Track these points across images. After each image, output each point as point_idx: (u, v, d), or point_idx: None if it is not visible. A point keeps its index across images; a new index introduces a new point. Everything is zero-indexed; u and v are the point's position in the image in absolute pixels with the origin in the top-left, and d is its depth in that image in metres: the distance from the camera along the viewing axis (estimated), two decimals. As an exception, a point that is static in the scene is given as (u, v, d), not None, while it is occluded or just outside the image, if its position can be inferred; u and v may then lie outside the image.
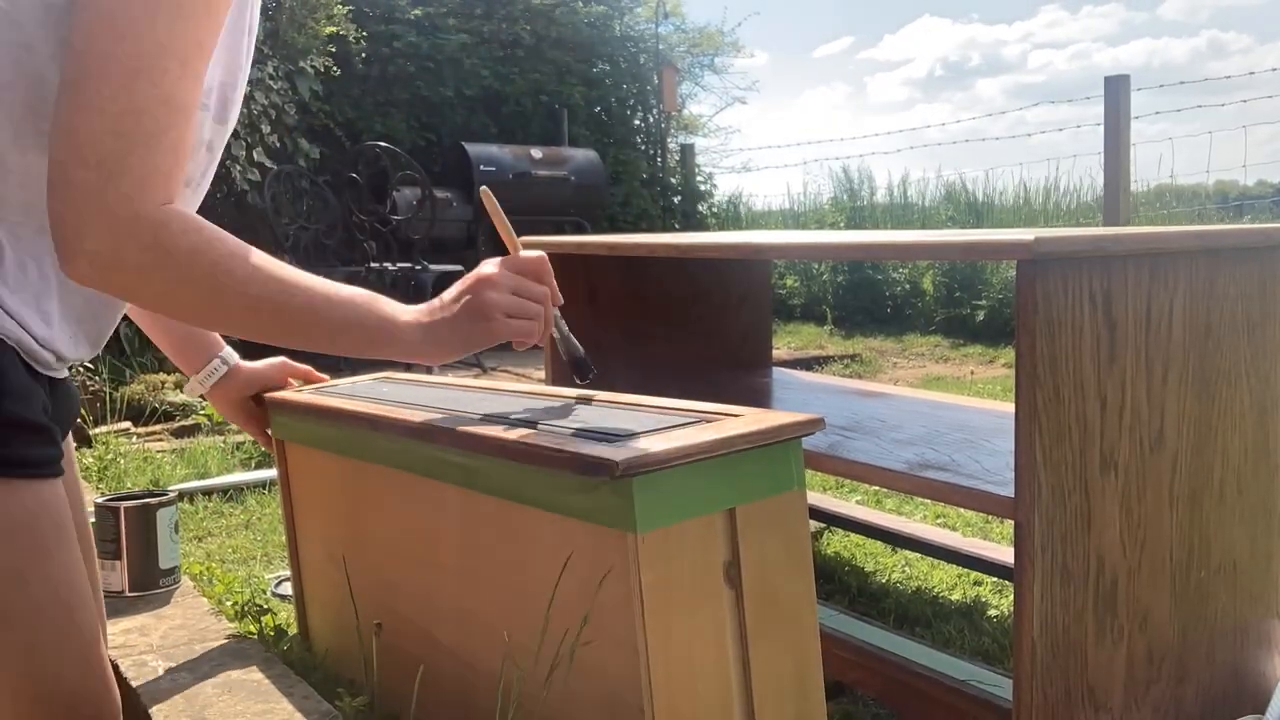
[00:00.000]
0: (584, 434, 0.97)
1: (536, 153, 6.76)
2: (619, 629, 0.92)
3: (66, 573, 0.95)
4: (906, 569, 2.27)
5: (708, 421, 0.99)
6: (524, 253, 1.09)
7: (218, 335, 1.43)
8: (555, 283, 1.10)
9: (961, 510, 2.58)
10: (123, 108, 0.84)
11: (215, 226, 0.95)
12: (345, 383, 1.49)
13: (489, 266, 1.06)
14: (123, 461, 2.77)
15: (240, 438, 3.17)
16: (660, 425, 0.98)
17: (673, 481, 0.90)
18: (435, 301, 1.05)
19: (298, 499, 1.50)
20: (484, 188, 1.20)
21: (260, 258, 0.97)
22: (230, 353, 1.44)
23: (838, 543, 2.45)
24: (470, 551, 1.15)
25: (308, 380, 1.50)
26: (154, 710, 1.23)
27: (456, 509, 1.15)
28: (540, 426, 1.03)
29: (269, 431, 1.49)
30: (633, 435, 0.94)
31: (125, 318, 1.19)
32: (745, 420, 0.98)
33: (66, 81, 0.85)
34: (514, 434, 1.00)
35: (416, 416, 1.15)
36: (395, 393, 1.34)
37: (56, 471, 0.96)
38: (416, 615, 1.26)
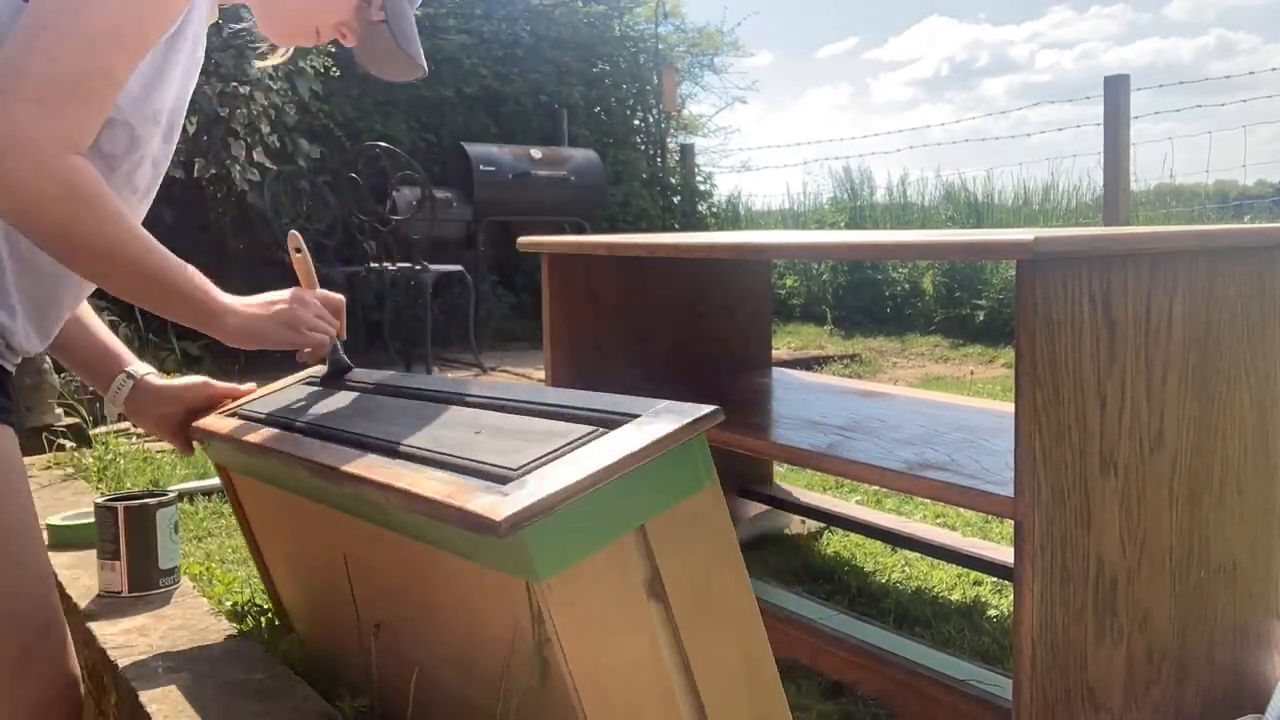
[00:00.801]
0: (477, 468, 0.92)
1: (536, 153, 6.76)
2: (550, 668, 0.89)
3: (25, 512, 1.10)
4: (906, 569, 2.27)
5: (607, 427, 0.94)
6: (326, 293, 1.36)
7: (123, 351, 1.44)
8: (344, 321, 1.39)
9: (961, 510, 2.58)
10: (73, 65, 0.97)
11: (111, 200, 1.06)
12: (277, 389, 1.44)
13: (305, 293, 1.33)
14: (122, 461, 2.77)
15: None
16: (556, 445, 0.92)
17: (568, 519, 0.85)
18: (253, 300, 1.26)
19: (252, 517, 1.51)
20: (293, 232, 1.43)
21: (133, 220, 1.10)
22: (137, 366, 1.42)
23: (837, 543, 2.45)
24: (403, 581, 1.12)
25: (234, 398, 1.45)
26: (154, 710, 1.23)
27: (378, 542, 1.12)
28: (436, 455, 0.98)
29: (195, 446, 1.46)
30: (525, 469, 0.89)
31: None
32: (641, 427, 0.92)
33: (26, 27, 0.96)
34: (405, 478, 0.95)
35: (316, 454, 1.10)
36: (318, 405, 1.29)
37: (6, 419, 1.10)
38: (383, 635, 1.24)
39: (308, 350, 1.31)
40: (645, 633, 0.91)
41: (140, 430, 3.47)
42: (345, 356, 1.41)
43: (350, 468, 1.01)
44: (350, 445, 1.09)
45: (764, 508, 2.51)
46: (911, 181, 8.35)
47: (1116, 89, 4.97)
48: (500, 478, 0.88)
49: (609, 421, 0.95)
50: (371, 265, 5.42)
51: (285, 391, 1.42)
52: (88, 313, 1.42)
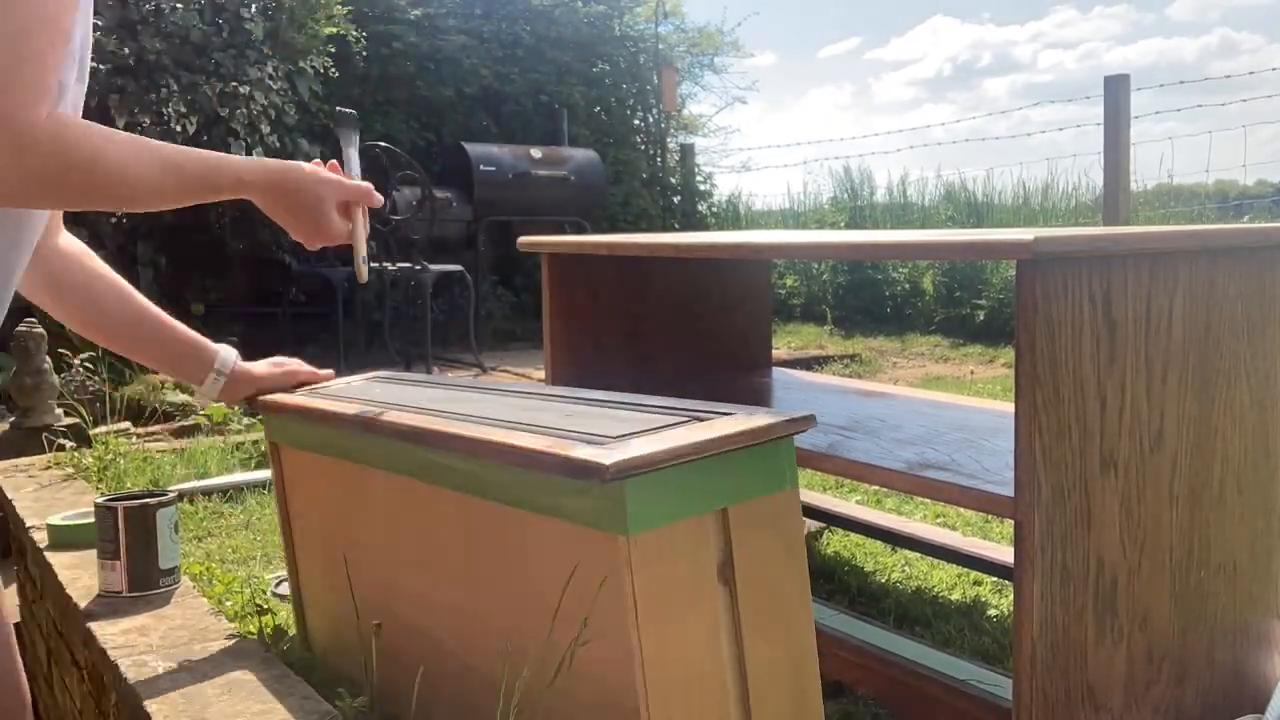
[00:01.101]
0: (575, 435, 0.97)
1: (536, 152, 6.76)
2: (613, 631, 0.92)
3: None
4: (906, 568, 2.27)
5: (699, 420, 0.99)
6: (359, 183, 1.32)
7: (204, 341, 1.45)
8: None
9: (961, 510, 2.58)
10: (12, 28, 0.92)
11: (93, 124, 1.02)
12: (339, 384, 1.48)
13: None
14: (122, 461, 2.76)
15: (240, 437, 3.17)
16: (651, 425, 0.97)
17: (664, 483, 0.90)
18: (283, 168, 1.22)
19: (293, 501, 1.50)
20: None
21: (129, 136, 1.06)
22: (225, 358, 1.44)
23: (838, 542, 2.45)
24: (466, 553, 1.15)
25: (312, 383, 1.50)
26: (154, 710, 1.23)
27: (451, 511, 1.15)
28: (532, 427, 1.03)
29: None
30: (624, 437, 0.94)
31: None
32: (736, 420, 0.97)
33: None
34: (505, 436, 1.00)
35: (409, 419, 1.14)
36: (389, 394, 1.33)
37: None
38: (416, 616, 1.25)
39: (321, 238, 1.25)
40: (709, 614, 0.94)
41: (140, 431, 3.48)
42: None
43: (446, 428, 1.06)
44: (434, 417, 1.13)
45: (764, 508, 2.50)
46: (911, 181, 8.35)
47: (1116, 89, 4.97)
48: (598, 441, 0.93)
49: (702, 416, 0.99)
50: (371, 265, 5.42)
51: (355, 385, 1.45)
52: (154, 309, 1.43)
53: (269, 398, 1.43)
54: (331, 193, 1.25)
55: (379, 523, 1.30)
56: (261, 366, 1.48)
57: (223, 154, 1.16)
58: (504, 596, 1.11)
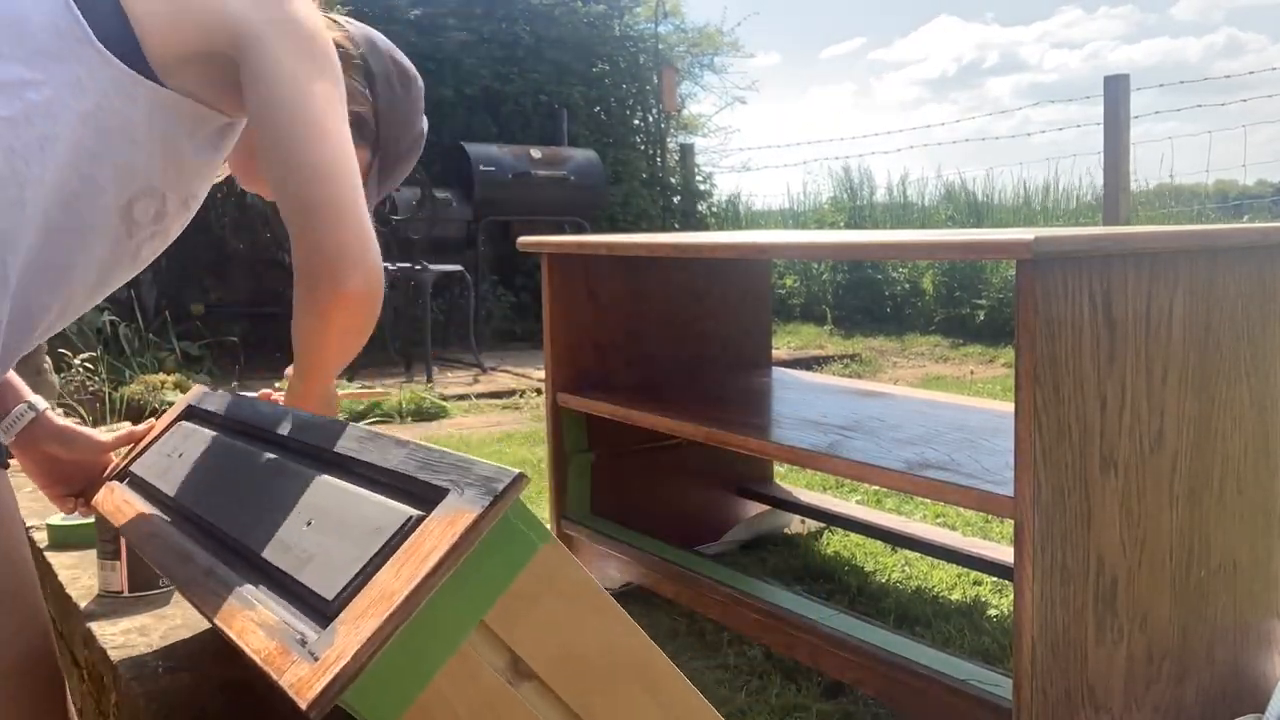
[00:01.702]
0: (295, 607, 0.87)
1: (536, 152, 6.76)
2: None
3: (29, 559, 1.06)
4: (906, 568, 2.27)
5: (423, 508, 0.87)
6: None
7: (23, 385, 1.35)
8: None
9: (961, 510, 2.58)
10: (356, 179, 1.08)
11: None
12: (164, 428, 1.41)
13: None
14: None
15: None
16: (369, 557, 0.86)
17: (391, 663, 0.79)
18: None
19: None
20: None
21: None
22: (38, 400, 1.35)
23: (837, 542, 2.45)
24: None
25: (130, 441, 1.41)
26: (154, 710, 1.23)
27: None
28: (269, 568, 0.95)
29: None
30: (337, 601, 0.84)
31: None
32: (452, 513, 0.84)
33: (315, 201, 1.06)
34: (235, 622, 0.91)
35: (168, 558, 1.08)
36: (186, 462, 1.26)
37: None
38: None
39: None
40: (526, 718, 0.84)
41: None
42: None
43: (195, 599, 1.00)
44: (202, 541, 1.08)
45: (764, 507, 2.51)
46: (911, 181, 8.36)
47: (1116, 89, 4.97)
48: (320, 614, 0.84)
49: (426, 499, 0.88)
50: (371, 265, 5.42)
51: (168, 438, 1.38)
52: None
53: (95, 500, 1.36)
54: None
55: None
56: (75, 428, 1.37)
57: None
58: None
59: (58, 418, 1.36)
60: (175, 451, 1.32)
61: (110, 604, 1.59)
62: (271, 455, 1.16)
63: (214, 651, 1.41)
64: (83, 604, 1.59)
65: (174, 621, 1.52)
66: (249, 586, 0.95)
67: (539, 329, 2.15)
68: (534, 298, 6.49)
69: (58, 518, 2.01)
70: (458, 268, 5.55)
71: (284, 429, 1.19)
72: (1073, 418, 1.22)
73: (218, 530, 1.07)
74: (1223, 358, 1.37)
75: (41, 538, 1.99)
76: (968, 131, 13.35)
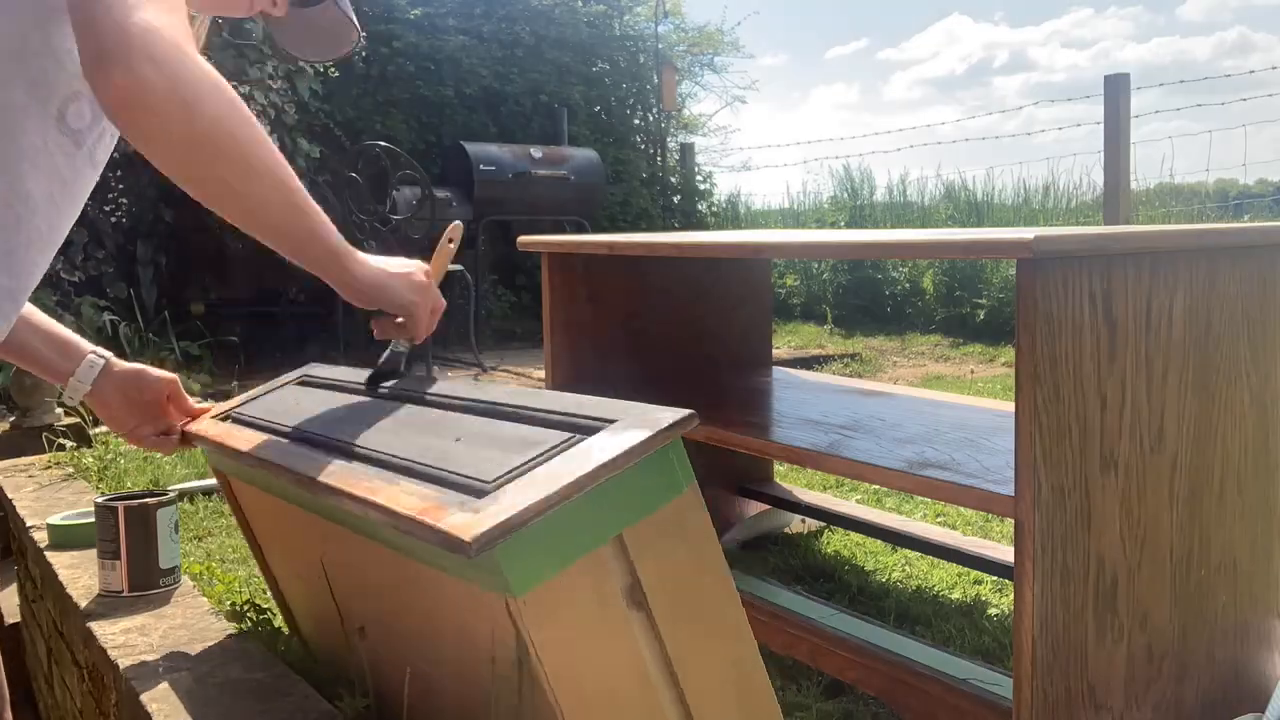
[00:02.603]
0: (453, 480, 0.91)
1: (536, 152, 6.76)
2: (534, 683, 0.87)
3: None
4: (907, 568, 2.27)
5: (585, 433, 0.92)
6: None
7: (81, 339, 1.36)
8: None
9: (962, 509, 2.57)
10: None
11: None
12: (265, 392, 1.42)
13: (424, 276, 1.22)
14: (122, 461, 2.76)
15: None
16: (532, 454, 0.91)
17: (542, 534, 0.84)
18: (377, 261, 1.15)
19: (251, 518, 1.50)
20: (457, 223, 1.33)
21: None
22: (100, 350, 1.36)
23: (838, 542, 2.45)
24: (389, 590, 1.12)
25: (191, 417, 1.41)
26: (154, 710, 1.23)
27: (364, 549, 1.11)
28: (415, 466, 0.97)
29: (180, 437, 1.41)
30: (499, 483, 0.87)
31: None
32: (617, 434, 0.90)
33: None
34: (381, 493, 0.93)
35: (298, 461, 1.08)
36: (303, 408, 1.27)
37: None
38: (374, 639, 1.23)
39: (399, 326, 1.22)
40: (628, 643, 0.89)
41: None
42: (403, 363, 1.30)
43: (330, 480, 1.00)
44: (335, 453, 1.08)
45: (764, 507, 2.50)
46: (912, 180, 8.36)
47: (1116, 88, 4.97)
48: (476, 490, 0.87)
49: (586, 428, 0.93)
50: (371, 265, 5.42)
51: (277, 393, 1.41)
52: (33, 312, 1.35)
53: (194, 427, 1.38)
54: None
55: (322, 551, 1.27)
56: (141, 367, 1.38)
57: (338, 237, 1.09)
58: (430, 638, 1.07)
59: (122, 362, 1.37)
60: (292, 400, 1.35)
61: (110, 604, 1.59)
62: (408, 403, 1.20)
63: (214, 651, 1.41)
64: (83, 604, 1.59)
65: (174, 621, 1.52)
66: (394, 475, 0.98)
67: (539, 328, 2.15)
68: (534, 298, 6.49)
69: (58, 517, 2.01)
70: (458, 267, 5.54)
71: (417, 388, 1.24)
72: (1073, 417, 1.22)
73: (352, 446, 1.08)
74: (1223, 357, 1.37)
75: (42, 538, 1.99)
76: (970, 131, 13.35)
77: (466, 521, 0.82)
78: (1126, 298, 1.25)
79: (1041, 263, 1.17)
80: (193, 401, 1.43)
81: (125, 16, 0.86)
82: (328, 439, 1.13)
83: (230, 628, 1.50)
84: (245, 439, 1.24)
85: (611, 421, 0.93)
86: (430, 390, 1.20)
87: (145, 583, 1.62)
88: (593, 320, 2.18)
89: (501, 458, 0.92)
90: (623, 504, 0.89)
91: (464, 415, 1.09)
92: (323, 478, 1.01)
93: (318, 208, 1.04)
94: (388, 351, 1.28)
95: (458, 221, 1.35)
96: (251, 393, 1.45)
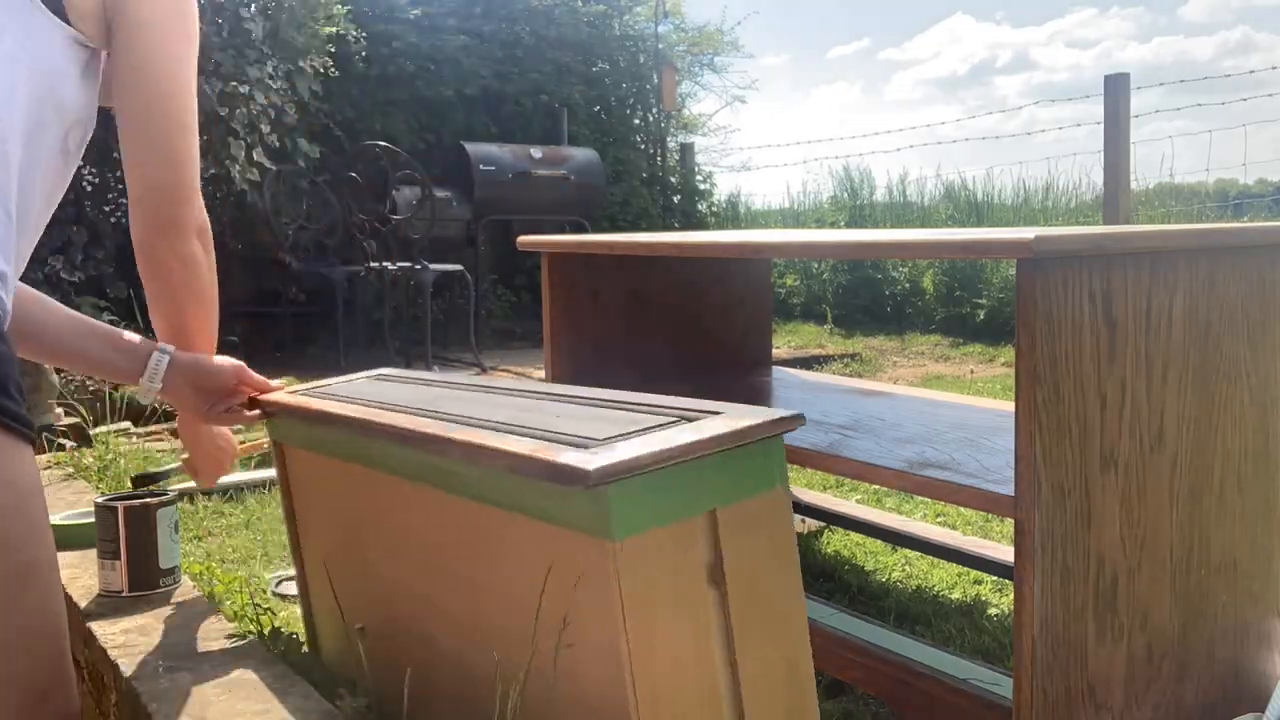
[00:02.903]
0: (562, 439, 0.96)
1: (536, 152, 6.76)
2: (602, 635, 0.91)
3: (51, 548, 1.07)
4: (907, 568, 2.27)
5: (688, 420, 0.98)
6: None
7: (131, 336, 1.44)
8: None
9: (962, 509, 2.58)
10: (190, 122, 1.29)
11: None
12: (339, 382, 1.48)
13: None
14: (123, 461, 2.76)
15: (239, 437, 3.17)
16: (639, 427, 0.97)
17: (649, 487, 0.89)
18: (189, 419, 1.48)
19: (299, 500, 1.50)
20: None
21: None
22: (161, 344, 1.42)
23: (838, 541, 2.45)
24: (462, 555, 1.15)
25: (262, 391, 1.46)
26: (154, 710, 1.23)
27: (447, 512, 1.14)
28: (520, 429, 1.02)
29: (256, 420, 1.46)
30: (610, 440, 0.93)
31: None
32: (724, 420, 0.96)
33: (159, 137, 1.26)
34: (492, 440, 0.99)
35: (401, 421, 1.14)
36: (388, 393, 1.33)
37: (23, 432, 1.06)
38: (416, 616, 1.26)
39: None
40: (700, 616, 0.94)
41: (140, 430, 3.47)
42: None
43: (436, 431, 1.06)
44: (431, 417, 1.13)
45: (764, 507, 2.50)
46: (911, 180, 8.36)
47: (1116, 88, 4.97)
48: (584, 445, 0.92)
49: (691, 416, 0.99)
50: (371, 265, 5.42)
51: (357, 383, 1.44)
52: (83, 317, 1.43)
53: (276, 397, 1.42)
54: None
55: (382, 522, 1.30)
56: (211, 357, 1.46)
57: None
58: (499, 598, 1.11)
59: (182, 352, 1.44)
60: (372, 390, 1.39)
61: (110, 604, 1.59)
62: (482, 391, 1.26)
63: (214, 651, 1.41)
64: (83, 604, 1.59)
65: (174, 621, 1.52)
66: (500, 434, 1.02)
67: (539, 328, 2.15)
68: (534, 297, 6.49)
69: (58, 517, 2.01)
70: (458, 267, 5.55)
71: (484, 382, 1.32)
72: (1073, 417, 1.22)
73: (450, 416, 1.12)
74: (1223, 357, 1.37)
75: (42, 538, 1.99)
76: (971, 130, 13.35)
77: (582, 457, 0.88)
78: (1126, 298, 1.25)
79: (1041, 263, 1.17)
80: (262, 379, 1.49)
81: (197, 215, 1.32)
82: (421, 409, 1.17)
83: (230, 628, 1.50)
84: (334, 406, 1.28)
85: (719, 413, 0.98)
86: (512, 385, 1.25)
87: (145, 583, 1.62)
88: (593, 320, 2.18)
89: (608, 427, 0.97)
90: (722, 482, 0.94)
91: (556, 402, 1.15)
92: (430, 430, 1.07)
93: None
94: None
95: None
96: (320, 381, 1.47)
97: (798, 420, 0.95)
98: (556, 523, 0.95)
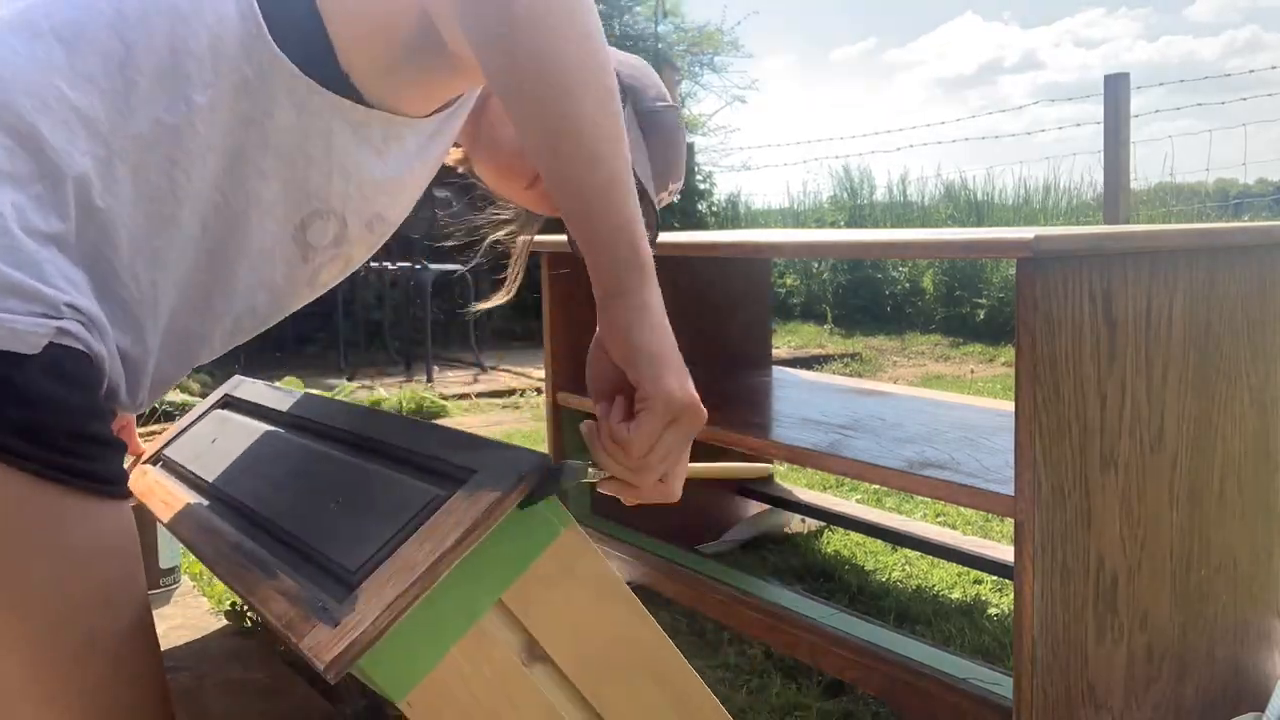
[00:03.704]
0: (318, 576, 0.88)
1: (536, 152, 6.75)
2: None
3: (146, 600, 0.92)
4: (906, 567, 2.27)
5: (440, 497, 0.87)
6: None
7: None
8: None
9: (962, 509, 2.58)
10: None
11: None
12: (193, 420, 1.41)
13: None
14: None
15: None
16: (390, 534, 0.86)
17: (409, 633, 0.80)
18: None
19: None
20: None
21: None
22: None
23: (838, 541, 2.45)
24: None
25: (133, 452, 1.39)
26: (154, 710, 1.23)
27: None
28: (296, 543, 0.95)
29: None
30: (359, 572, 0.84)
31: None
32: (474, 496, 0.85)
33: None
34: (257, 592, 0.91)
35: (199, 539, 1.08)
36: (221, 447, 1.26)
37: (129, 493, 0.90)
38: None
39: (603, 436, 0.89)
40: (541, 703, 0.85)
41: (140, 430, 3.47)
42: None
43: (223, 572, 1.00)
44: (237, 519, 1.08)
45: (764, 506, 2.51)
46: (912, 180, 8.36)
47: (1116, 88, 4.97)
48: (343, 584, 0.84)
49: (454, 479, 0.88)
50: (371, 264, 5.42)
51: (202, 424, 1.39)
52: None
53: (131, 481, 1.37)
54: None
55: None
56: None
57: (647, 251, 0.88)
58: None
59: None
60: (210, 437, 1.34)
61: (110, 604, 1.59)
62: (306, 441, 1.18)
63: (214, 651, 1.41)
64: (83, 604, 1.59)
65: (174, 621, 1.52)
66: (275, 560, 0.96)
67: (539, 328, 2.15)
68: (534, 297, 6.48)
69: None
70: (458, 268, 5.54)
71: (320, 416, 1.21)
72: (1073, 417, 1.22)
73: (248, 510, 1.08)
74: (1223, 357, 1.37)
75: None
76: (972, 130, 13.34)
77: (323, 641, 0.79)
78: (1126, 297, 1.25)
79: (1041, 262, 1.17)
80: (138, 437, 1.39)
81: None
82: (230, 499, 1.12)
83: (230, 628, 1.50)
84: (164, 492, 1.24)
85: (473, 473, 0.87)
86: (330, 421, 1.15)
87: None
88: (593, 320, 2.18)
89: (369, 533, 0.88)
90: (492, 570, 0.83)
91: (351, 461, 1.06)
92: (215, 567, 1.01)
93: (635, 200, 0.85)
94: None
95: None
96: (181, 422, 1.43)
97: (557, 470, 0.82)
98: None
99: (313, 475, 1.08)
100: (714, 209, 8.59)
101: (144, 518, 1.62)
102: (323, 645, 0.79)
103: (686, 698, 0.92)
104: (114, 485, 0.85)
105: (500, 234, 1.17)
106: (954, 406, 1.91)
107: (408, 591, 0.79)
